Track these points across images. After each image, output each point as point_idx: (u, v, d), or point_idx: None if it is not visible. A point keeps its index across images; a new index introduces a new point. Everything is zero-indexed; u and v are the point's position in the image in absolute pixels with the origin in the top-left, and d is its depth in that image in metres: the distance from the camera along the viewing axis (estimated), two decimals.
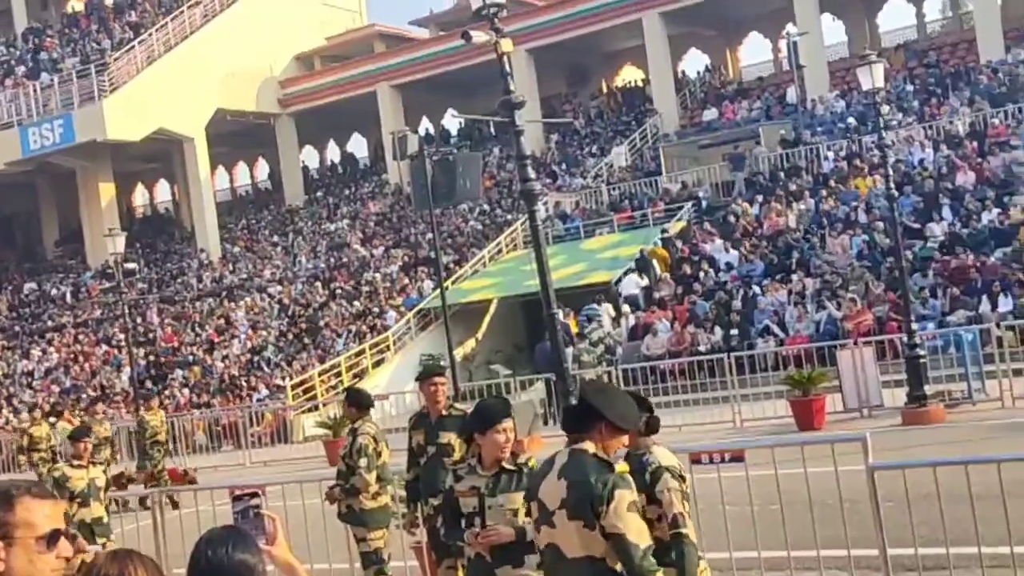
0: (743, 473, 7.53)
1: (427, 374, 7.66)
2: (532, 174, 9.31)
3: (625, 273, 27.45)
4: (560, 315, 24.47)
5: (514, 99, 8.76)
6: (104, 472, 9.14)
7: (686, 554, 4.51)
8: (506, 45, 8.50)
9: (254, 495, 3.17)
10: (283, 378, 28.35)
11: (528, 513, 4.72)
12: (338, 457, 8.23)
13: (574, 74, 44.18)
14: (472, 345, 28.15)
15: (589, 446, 4.19)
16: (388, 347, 28.69)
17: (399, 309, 30.35)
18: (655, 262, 27.51)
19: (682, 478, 4.70)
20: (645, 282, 27.05)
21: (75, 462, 8.84)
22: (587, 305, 25.84)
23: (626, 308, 25.72)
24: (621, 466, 4.23)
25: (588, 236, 31.02)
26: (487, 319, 29.38)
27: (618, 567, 4.06)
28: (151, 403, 19.02)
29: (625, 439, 4.37)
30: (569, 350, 22.27)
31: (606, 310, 25.85)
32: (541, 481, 4.31)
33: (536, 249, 9.22)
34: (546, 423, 19.20)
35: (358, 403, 8.10)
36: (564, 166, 37.24)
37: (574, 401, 9.67)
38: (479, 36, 8.51)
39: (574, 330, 24.47)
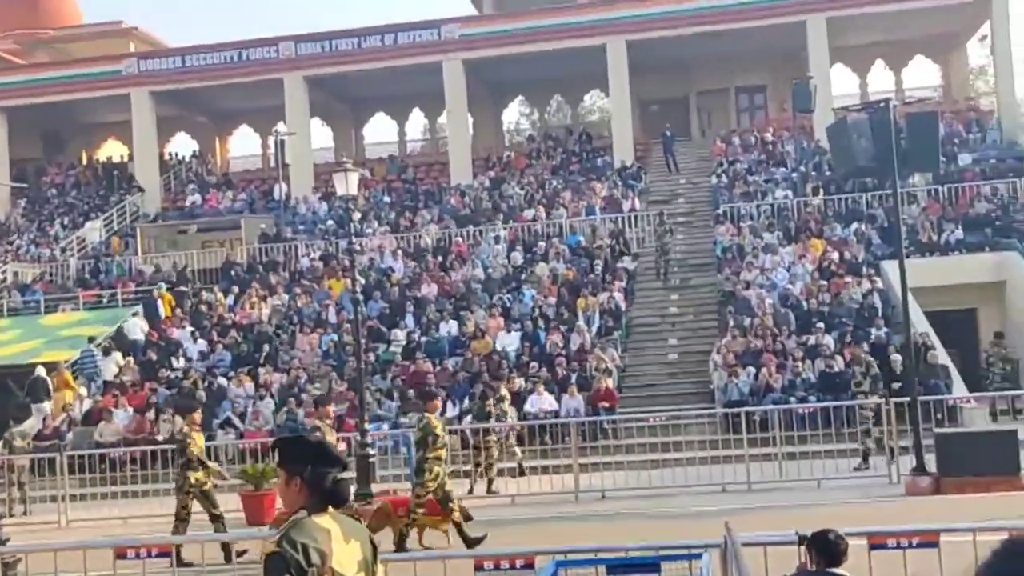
0: (171, 568, 7.30)
1: None
2: None
3: (133, 315, 27.38)
4: (43, 371, 23.10)
5: None
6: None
7: None
8: None
9: None
10: None
11: None
12: None
13: (51, 141, 41.75)
14: None
15: None
16: None
17: None
18: (161, 304, 27.41)
19: None
20: (147, 327, 26.84)
21: None
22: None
23: (83, 391, 24.29)
24: None
25: (49, 311, 29.07)
26: None
27: None
28: (434, 403, 13.95)
29: None
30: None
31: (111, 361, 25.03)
32: None
33: None
34: None
35: None
36: (31, 235, 34.80)
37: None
38: None
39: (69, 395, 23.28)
